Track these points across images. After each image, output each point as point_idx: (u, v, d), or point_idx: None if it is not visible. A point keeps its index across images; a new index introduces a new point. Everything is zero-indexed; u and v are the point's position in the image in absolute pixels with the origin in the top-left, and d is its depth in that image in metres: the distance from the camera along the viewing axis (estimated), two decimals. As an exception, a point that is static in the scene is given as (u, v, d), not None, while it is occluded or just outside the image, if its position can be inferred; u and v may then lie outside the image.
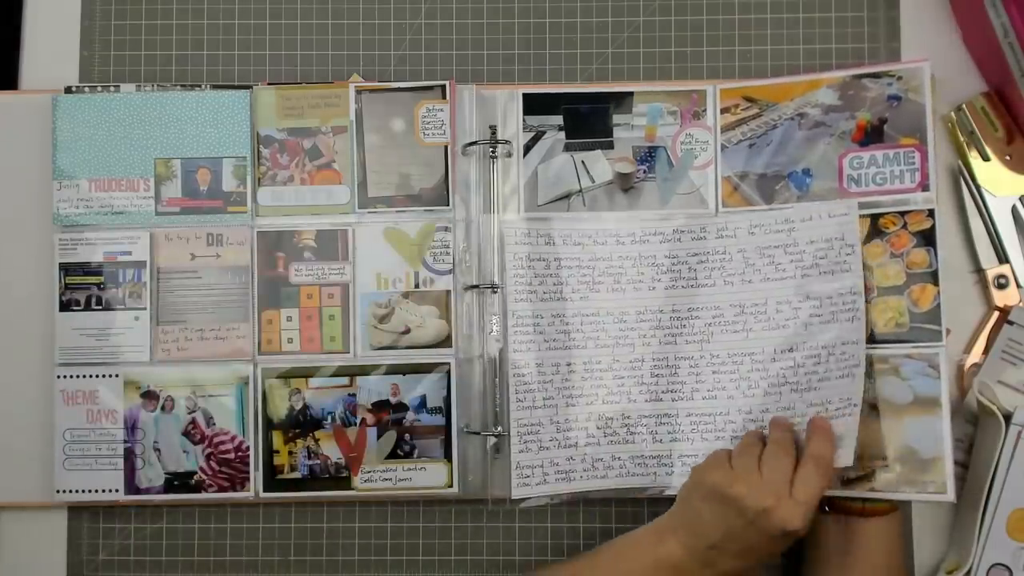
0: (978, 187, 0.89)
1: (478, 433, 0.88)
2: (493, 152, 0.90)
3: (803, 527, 0.76)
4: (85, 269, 0.90)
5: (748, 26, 0.93)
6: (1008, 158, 0.89)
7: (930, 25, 0.92)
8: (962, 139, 0.90)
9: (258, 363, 0.90)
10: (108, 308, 0.90)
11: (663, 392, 0.89)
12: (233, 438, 0.90)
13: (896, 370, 0.84)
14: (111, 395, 0.90)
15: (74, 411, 0.90)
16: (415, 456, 0.89)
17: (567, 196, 0.90)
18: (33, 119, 0.91)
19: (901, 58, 0.92)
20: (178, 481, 0.90)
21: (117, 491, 0.89)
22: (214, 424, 0.90)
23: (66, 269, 0.90)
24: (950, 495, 0.82)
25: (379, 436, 0.89)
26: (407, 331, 0.89)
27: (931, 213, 0.85)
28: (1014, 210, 0.89)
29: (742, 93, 0.90)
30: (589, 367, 0.89)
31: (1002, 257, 0.89)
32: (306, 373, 0.89)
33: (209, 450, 0.90)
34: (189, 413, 0.90)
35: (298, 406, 0.89)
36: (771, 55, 0.92)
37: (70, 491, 0.90)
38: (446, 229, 0.89)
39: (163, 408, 0.90)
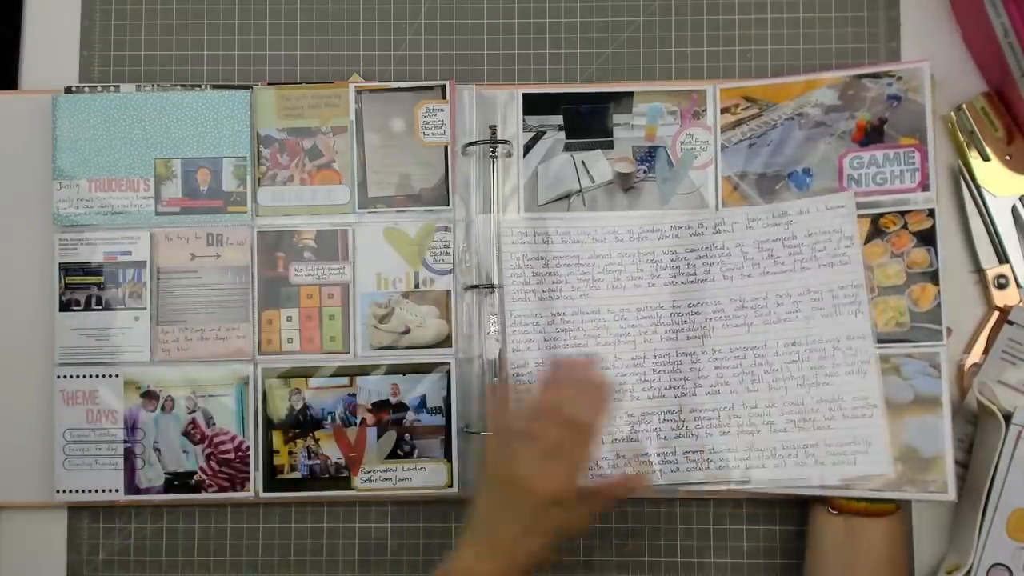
0: (978, 187, 0.89)
1: (478, 433, 0.88)
2: (493, 152, 0.90)
3: (560, 491, 0.74)
4: (85, 269, 0.90)
5: (748, 26, 0.93)
6: (1008, 158, 0.89)
7: (930, 25, 0.92)
8: (962, 139, 0.90)
9: (258, 363, 0.90)
10: (108, 308, 0.90)
11: (665, 388, 0.89)
12: (233, 438, 0.90)
13: (897, 369, 0.85)
14: (111, 395, 0.90)
15: (74, 411, 0.90)
16: (415, 456, 0.89)
17: (567, 196, 0.90)
18: (33, 119, 0.91)
19: (901, 58, 0.92)
20: (178, 481, 0.90)
21: (117, 491, 0.89)
22: (214, 424, 0.90)
23: (66, 269, 0.90)
24: (951, 495, 0.83)
25: (379, 436, 0.89)
26: (407, 331, 0.89)
27: (931, 213, 0.86)
28: (1014, 210, 0.89)
29: (742, 93, 0.90)
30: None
31: (1002, 257, 0.89)
32: (306, 373, 0.89)
33: (209, 450, 0.90)
34: (189, 413, 0.90)
35: (298, 406, 0.89)
36: (771, 55, 0.92)
37: (70, 491, 0.89)
38: (446, 229, 0.89)
39: (163, 408, 0.90)
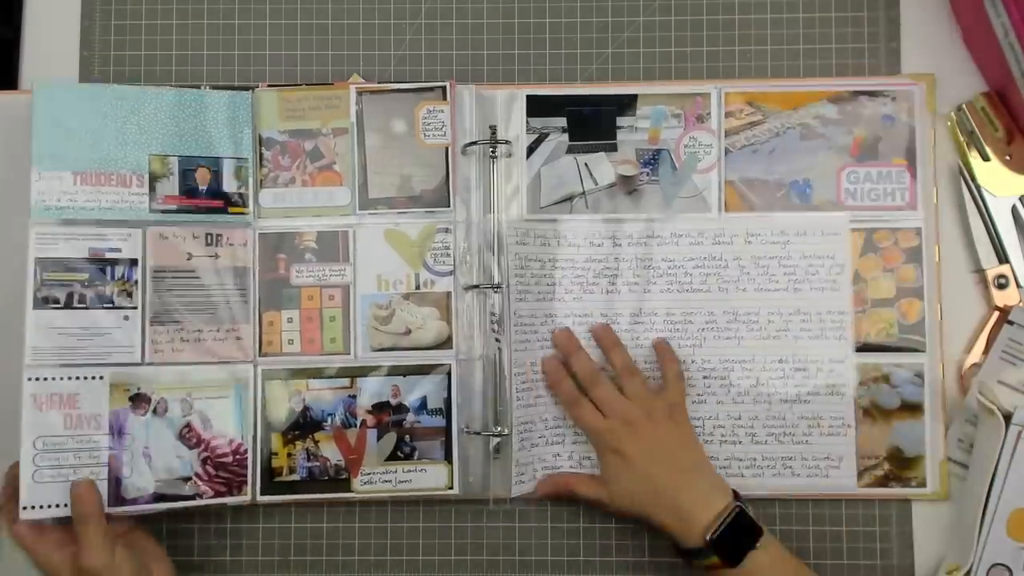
0: (978, 187, 0.90)
1: (479, 433, 0.88)
2: (493, 152, 0.90)
3: None
4: (67, 265, 0.85)
5: (748, 26, 0.93)
6: (1008, 158, 0.89)
7: (930, 25, 0.92)
8: (962, 139, 0.90)
9: (258, 364, 0.89)
10: (93, 307, 0.86)
11: None
12: (231, 441, 0.88)
13: (887, 378, 0.89)
14: (94, 398, 0.85)
15: (48, 417, 0.84)
16: (415, 458, 0.88)
17: (570, 198, 0.90)
18: (33, 119, 0.91)
19: (901, 58, 0.92)
20: (170, 489, 0.86)
21: None
22: (211, 427, 0.88)
23: (43, 265, 0.85)
24: (929, 488, 0.89)
25: (379, 438, 0.88)
26: (408, 332, 0.89)
27: (918, 232, 0.89)
28: (1014, 210, 0.89)
29: (746, 98, 0.90)
30: None
31: (1002, 257, 0.89)
32: (307, 375, 0.89)
33: (205, 454, 0.87)
34: (184, 416, 0.87)
35: (298, 408, 0.89)
36: (771, 55, 0.92)
37: (41, 506, 0.83)
38: (447, 231, 0.89)
39: (155, 411, 0.86)
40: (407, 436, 0.88)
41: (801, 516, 0.90)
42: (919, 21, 0.93)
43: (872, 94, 0.90)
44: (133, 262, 0.87)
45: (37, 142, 0.86)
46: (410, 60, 0.93)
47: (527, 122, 0.91)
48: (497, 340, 0.89)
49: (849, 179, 0.90)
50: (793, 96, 0.90)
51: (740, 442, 0.89)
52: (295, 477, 0.88)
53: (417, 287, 0.89)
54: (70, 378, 0.85)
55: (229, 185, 0.89)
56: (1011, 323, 0.88)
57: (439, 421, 0.88)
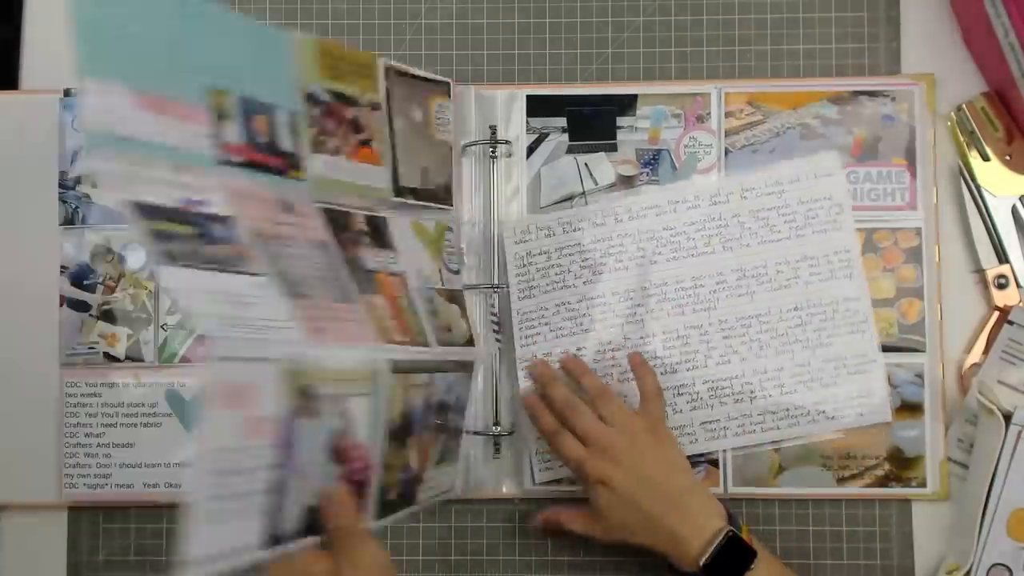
0: (978, 187, 0.90)
1: (479, 433, 0.88)
2: (493, 152, 0.90)
3: None
4: (167, 215, 0.58)
5: (748, 26, 0.93)
6: (1008, 158, 0.89)
7: (930, 25, 0.92)
8: (962, 139, 0.90)
9: (384, 353, 0.70)
10: (222, 268, 0.59)
11: (677, 363, 0.89)
12: (363, 453, 0.67)
13: (888, 378, 0.89)
14: (267, 393, 0.58)
15: (225, 420, 0.56)
16: (447, 460, 0.83)
17: (570, 198, 0.90)
18: (33, 119, 0.90)
19: (901, 58, 0.92)
20: (310, 520, 0.63)
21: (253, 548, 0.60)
22: (355, 434, 0.66)
23: (143, 211, 0.57)
24: (930, 488, 0.89)
25: (437, 440, 0.80)
26: (449, 329, 0.84)
27: (918, 232, 0.90)
28: (1014, 210, 0.89)
29: (746, 98, 0.91)
30: (601, 350, 0.89)
31: (1002, 257, 0.89)
32: (410, 368, 0.73)
33: (347, 472, 0.65)
34: (338, 420, 0.64)
35: (408, 408, 0.72)
36: (771, 55, 0.92)
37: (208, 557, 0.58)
38: (450, 229, 0.88)
39: (316, 414, 0.63)
40: (444, 437, 0.82)
41: (801, 516, 0.90)
42: (919, 21, 0.93)
43: (872, 94, 0.90)
44: (224, 220, 0.61)
45: (80, 40, 0.56)
46: (410, 60, 0.93)
47: (527, 122, 0.91)
48: (498, 340, 0.89)
49: (849, 179, 0.90)
50: (793, 96, 0.91)
51: (770, 395, 0.89)
52: (393, 495, 0.71)
53: (441, 283, 0.85)
54: (245, 360, 0.57)
55: (284, 142, 0.67)
56: (1011, 323, 0.88)
57: (461, 420, 0.85)
